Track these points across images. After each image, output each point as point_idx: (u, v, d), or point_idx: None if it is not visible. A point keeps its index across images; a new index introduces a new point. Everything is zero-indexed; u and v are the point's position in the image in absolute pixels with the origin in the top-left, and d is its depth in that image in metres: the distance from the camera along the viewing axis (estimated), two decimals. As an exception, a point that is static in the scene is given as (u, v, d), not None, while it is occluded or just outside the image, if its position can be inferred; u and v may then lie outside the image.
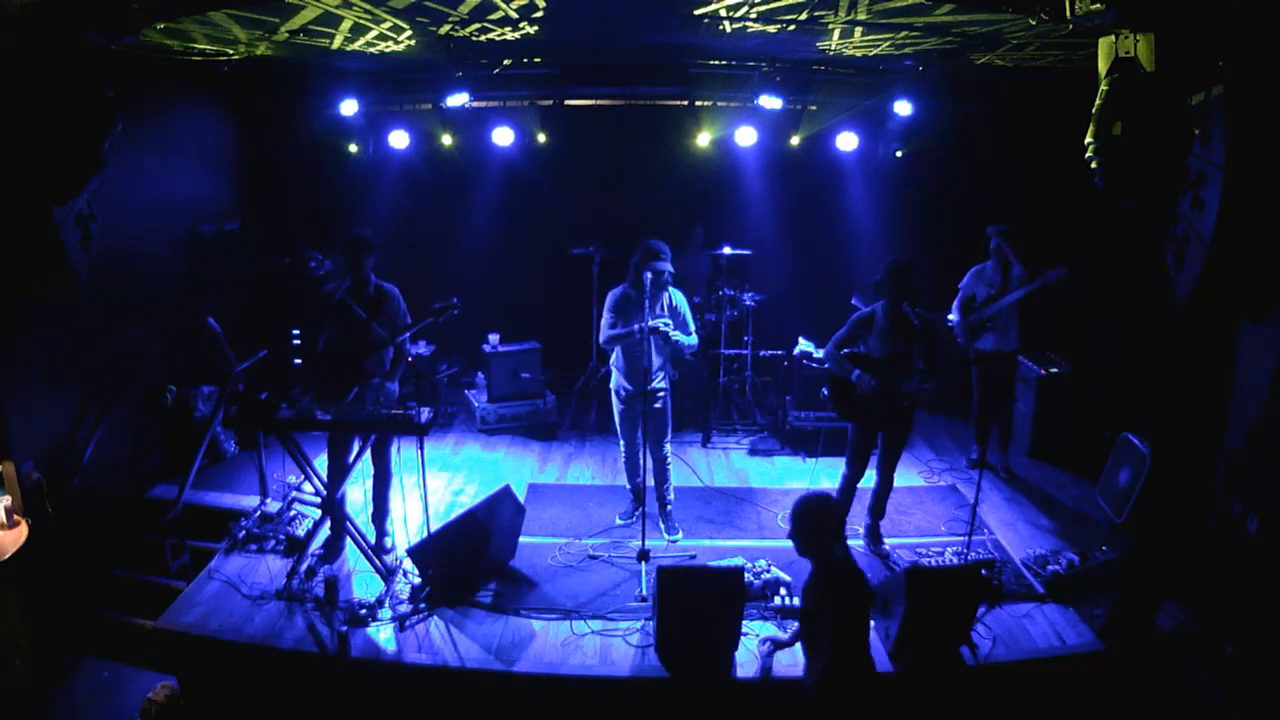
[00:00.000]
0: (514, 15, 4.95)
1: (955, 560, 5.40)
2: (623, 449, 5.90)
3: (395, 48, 5.98)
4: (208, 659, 4.66)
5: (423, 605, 4.86)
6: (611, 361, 5.79)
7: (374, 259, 5.34)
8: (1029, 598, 5.04)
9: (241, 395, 6.01)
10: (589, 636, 4.70)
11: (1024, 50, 5.47)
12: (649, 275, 5.29)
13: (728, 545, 5.63)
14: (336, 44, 5.74)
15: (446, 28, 5.35)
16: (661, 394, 5.64)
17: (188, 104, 6.90)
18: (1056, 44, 5.14)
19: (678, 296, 5.54)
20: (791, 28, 5.19)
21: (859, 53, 6.24)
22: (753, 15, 4.80)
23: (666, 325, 5.39)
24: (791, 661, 4.50)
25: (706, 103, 7.53)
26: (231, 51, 5.89)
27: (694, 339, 5.58)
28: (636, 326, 5.33)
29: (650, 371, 5.34)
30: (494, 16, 5.01)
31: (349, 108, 7.19)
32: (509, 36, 5.82)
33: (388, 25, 5.17)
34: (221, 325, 6.22)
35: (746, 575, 4.83)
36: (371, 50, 6.05)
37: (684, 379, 7.35)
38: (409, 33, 5.46)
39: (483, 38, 5.83)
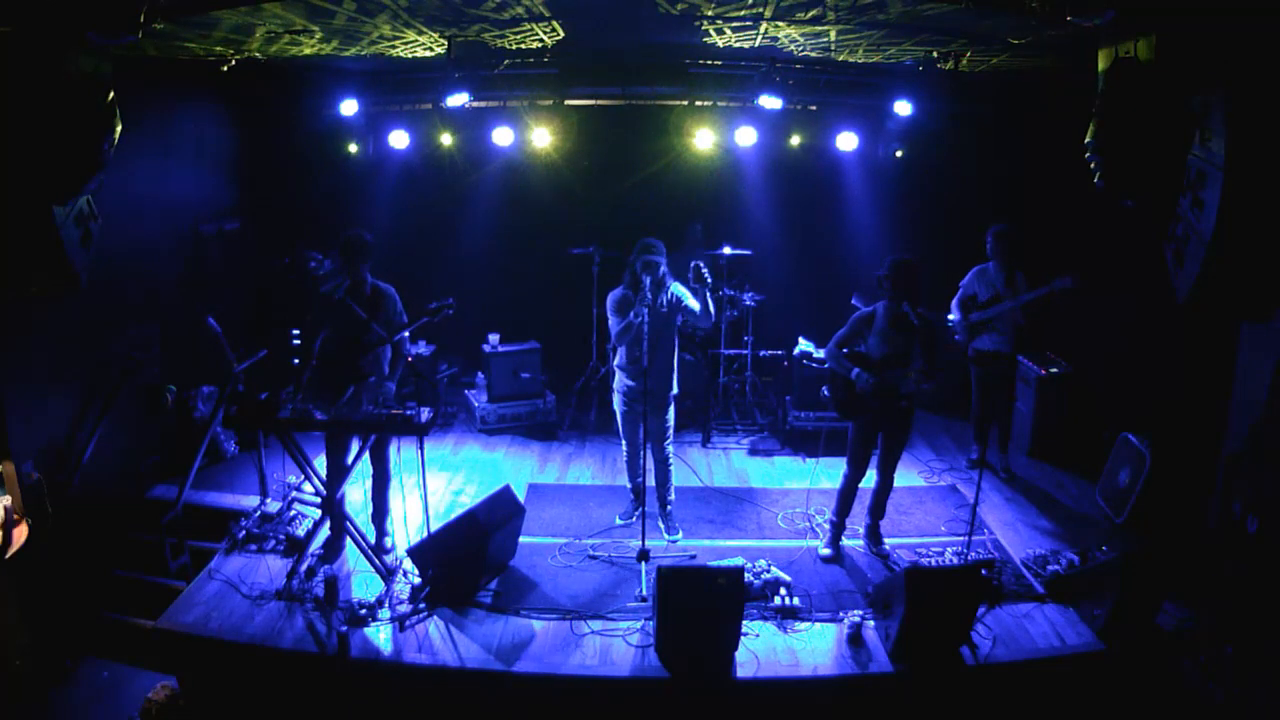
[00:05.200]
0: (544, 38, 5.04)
1: (955, 560, 5.40)
2: (624, 449, 5.89)
3: (423, 51, 6.07)
4: (208, 659, 4.66)
5: (423, 605, 4.85)
6: (615, 361, 5.78)
7: (372, 260, 5.34)
8: (1029, 598, 5.04)
9: (241, 395, 6.02)
10: (589, 636, 4.70)
11: (1024, 51, 5.47)
12: (648, 279, 5.27)
13: (728, 545, 5.63)
14: (351, 51, 5.86)
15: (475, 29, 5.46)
16: (667, 394, 5.64)
17: (188, 104, 6.90)
18: (1057, 45, 5.14)
19: (678, 288, 5.54)
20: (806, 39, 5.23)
21: (861, 58, 6.28)
22: (767, 14, 4.83)
23: (678, 294, 5.46)
24: (792, 661, 4.51)
25: (706, 103, 7.52)
26: (232, 51, 5.90)
27: (707, 311, 5.47)
28: (634, 315, 5.32)
29: (652, 371, 5.35)
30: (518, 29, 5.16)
31: (349, 108, 7.19)
32: (529, 45, 5.96)
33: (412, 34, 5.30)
34: (221, 325, 6.21)
35: (746, 575, 4.83)
36: (393, 52, 6.11)
37: (684, 379, 7.34)
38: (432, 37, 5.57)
39: (498, 44, 5.94)
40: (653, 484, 5.80)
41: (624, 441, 5.86)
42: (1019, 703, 4.60)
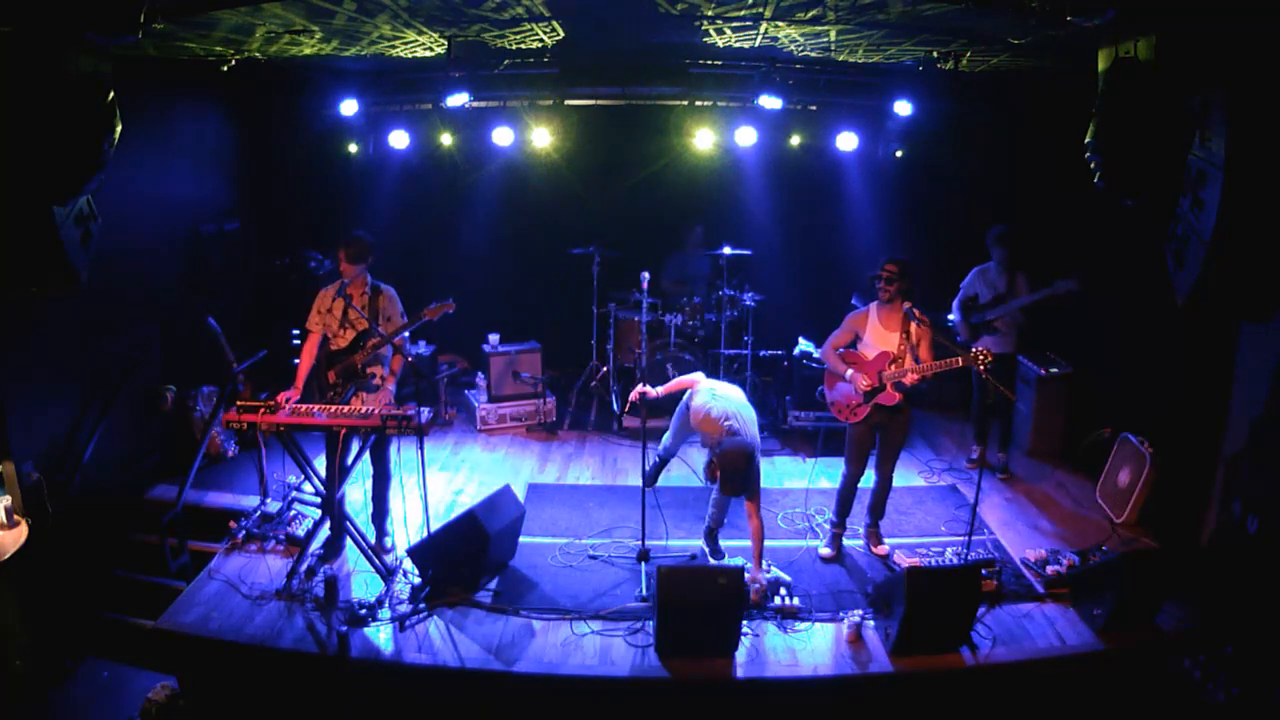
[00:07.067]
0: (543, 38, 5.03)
1: (955, 560, 5.39)
2: (664, 440, 5.77)
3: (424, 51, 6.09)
4: (208, 659, 4.66)
5: (423, 605, 4.86)
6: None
7: (372, 260, 5.35)
8: (1029, 598, 5.04)
9: (241, 395, 6.02)
10: (589, 636, 4.70)
11: (1024, 51, 5.47)
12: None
13: (728, 545, 5.63)
14: (351, 51, 5.86)
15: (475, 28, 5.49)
16: None
17: (188, 104, 6.90)
18: (1057, 45, 5.14)
19: None
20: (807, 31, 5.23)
21: (861, 58, 6.28)
22: (767, 14, 4.83)
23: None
24: (792, 661, 4.51)
25: (706, 103, 7.53)
26: (232, 51, 5.90)
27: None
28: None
29: None
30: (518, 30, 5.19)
31: (349, 108, 7.20)
32: (529, 45, 5.96)
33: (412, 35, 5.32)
34: (221, 325, 6.22)
35: (746, 575, 4.83)
36: (393, 52, 6.11)
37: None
38: (433, 37, 5.57)
39: (498, 44, 5.94)
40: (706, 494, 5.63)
41: (670, 435, 5.69)
42: (1019, 703, 4.60)
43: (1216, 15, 3.42)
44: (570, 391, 8.06)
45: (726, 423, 4.93)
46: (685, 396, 5.42)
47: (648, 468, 5.75)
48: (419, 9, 4.77)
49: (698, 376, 5.46)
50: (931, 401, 7.98)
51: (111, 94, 3.78)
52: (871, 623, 4.76)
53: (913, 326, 5.14)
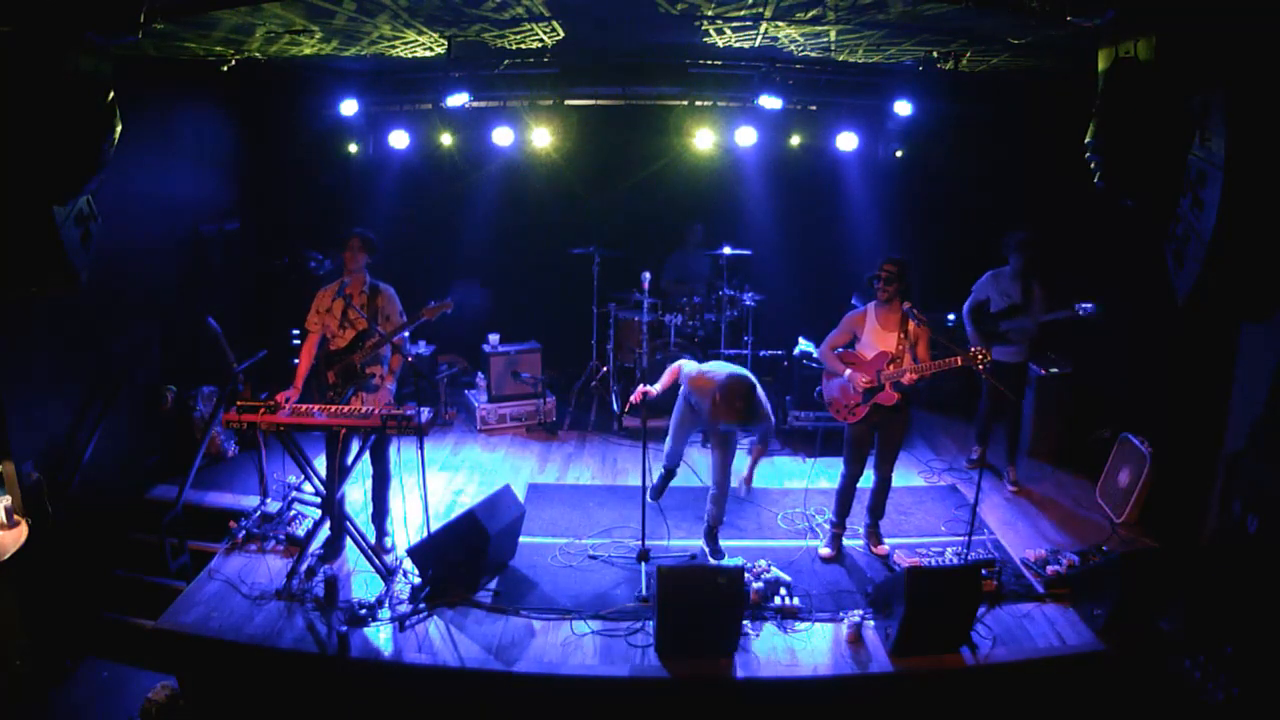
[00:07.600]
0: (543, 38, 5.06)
1: (955, 560, 5.40)
2: (666, 446, 5.84)
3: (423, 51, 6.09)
4: (208, 659, 4.66)
5: (423, 605, 4.86)
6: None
7: (372, 259, 5.35)
8: (1029, 598, 5.04)
9: (241, 395, 6.02)
10: (589, 636, 4.70)
11: (1024, 51, 5.47)
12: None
13: (728, 545, 5.63)
14: (352, 51, 5.87)
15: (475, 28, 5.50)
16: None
17: (188, 104, 6.90)
18: (1057, 45, 5.14)
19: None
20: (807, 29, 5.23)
21: (861, 58, 6.28)
22: (767, 14, 4.83)
23: None
24: (792, 661, 4.51)
25: (706, 103, 7.53)
26: (232, 51, 5.90)
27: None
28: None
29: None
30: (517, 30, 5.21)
31: (349, 108, 7.20)
32: (529, 45, 5.97)
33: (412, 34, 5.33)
34: (221, 325, 6.22)
35: (746, 575, 4.83)
36: (393, 52, 6.12)
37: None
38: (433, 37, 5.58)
39: (498, 44, 5.95)
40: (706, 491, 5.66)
41: (670, 440, 5.79)
42: (1019, 703, 4.60)
43: (1216, 15, 3.42)
44: (570, 391, 8.06)
45: (722, 373, 5.12)
46: (681, 386, 5.48)
47: (653, 481, 5.76)
48: (419, 9, 4.77)
49: (684, 361, 5.57)
50: (931, 401, 7.98)
51: (111, 94, 3.78)
52: (871, 623, 4.76)
53: (911, 326, 5.14)
